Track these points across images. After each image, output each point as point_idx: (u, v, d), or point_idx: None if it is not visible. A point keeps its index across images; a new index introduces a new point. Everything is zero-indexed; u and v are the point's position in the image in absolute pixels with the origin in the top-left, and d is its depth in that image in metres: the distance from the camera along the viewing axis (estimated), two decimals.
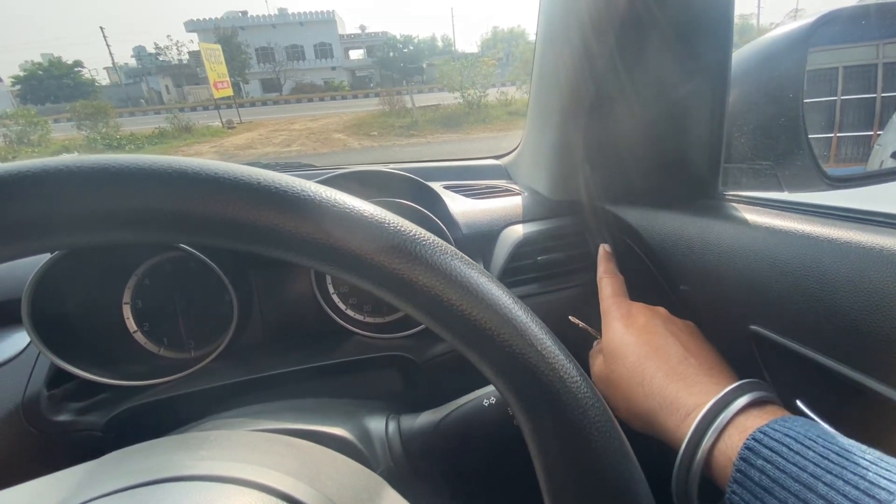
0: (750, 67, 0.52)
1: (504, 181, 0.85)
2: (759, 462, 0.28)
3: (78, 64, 29.25)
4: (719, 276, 0.48)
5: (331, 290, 0.65)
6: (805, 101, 0.51)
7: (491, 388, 0.40)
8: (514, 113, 12.12)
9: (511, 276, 0.62)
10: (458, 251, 0.24)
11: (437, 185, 0.78)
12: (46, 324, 0.49)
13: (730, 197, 0.55)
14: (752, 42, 0.53)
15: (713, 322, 0.49)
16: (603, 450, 0.23)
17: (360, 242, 0.22)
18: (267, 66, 31.75)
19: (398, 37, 30.42)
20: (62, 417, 0.49)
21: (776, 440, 0.28)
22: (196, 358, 0.61)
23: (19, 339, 0.53)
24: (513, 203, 0.71)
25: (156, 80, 31.19)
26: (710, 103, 0.52)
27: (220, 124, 13.28)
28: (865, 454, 0.26)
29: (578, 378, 0.23)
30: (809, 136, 0.53)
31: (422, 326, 0.58)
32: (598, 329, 0.50)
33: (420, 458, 0.40)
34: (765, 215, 0.47)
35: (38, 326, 0.48)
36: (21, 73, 28.52)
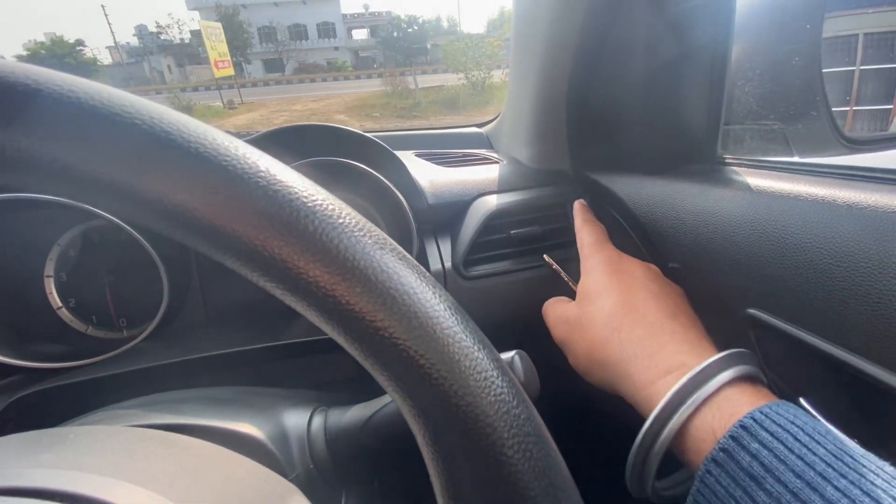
0: (760, 17, 0.44)
1: (484, 150, 0.78)
2: (754, 446, 0.24)
3: (80, 43, 28.93)
4: (715, 251, 0.41)
5: None
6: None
7: None
8: None
9: (480, 251, 0.55)
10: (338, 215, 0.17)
11: (407, 153, 0.71)
12: None
13: (729, 160, 0.48)
14: None
15: (705, 304, 0.42)
16: (524, 471, 0.16)
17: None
18: (269, 46, 31.26)
19: (402, 17, 29.76)
20: None
21: (780, 426, 0.24)
22: (128, 338, 0.55)
23: None
24: (489, 172, 0.64)
25: (158, 60, 30.81)
26: (710, 57, 0.44)
27: (222, 104, 13.13)
28: (884, 468, 0.21)
29: (493, 373, 0.17)
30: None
31: None
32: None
33: (347, 460, 0.34)
34: (770, 178, 0.40)
35: None
36: (24, 53, 28.28)
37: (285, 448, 0.33)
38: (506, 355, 0.32)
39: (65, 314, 0.54)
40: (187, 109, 12.41)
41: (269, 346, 0.50)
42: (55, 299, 0.53)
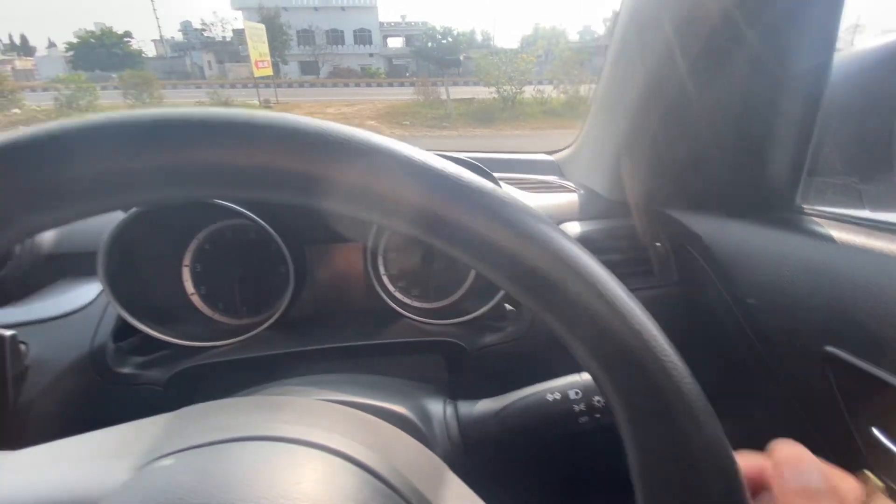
0: (848, 75, 0.49)
1: (556, 177, 0.84)
2: None
3: (128, 35, 30.22)
4: (794, 291, 0.46)
5: (381, 270, 0.65)
6: None
7: (555, 382, 0.40)
8: (549, 112, 11.94)
9: None
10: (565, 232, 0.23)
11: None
12: (116, 279, 0.51)
13: (809, 211, 0.53)
14: (853, 50, 0.50)
15: (783, 340, 0.47)
16: (705, 447, 0.22)
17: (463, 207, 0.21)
18: (306, 49, 32.12)
19: (438, 28, 30.27)
20: (126, 370, 0.51)
21: None
22: (248, 325, 0.62)
23: (87, 291, 0.55)
24: (567, 200, 0.70)
25: (199, 56, 31.98)
26: (801, 110, 0.50)
27: (258, 103, 13.53)
28: None
29: (689, 379, 0.23)
30: None
31: (472, 315, 0.58)
32: None
33: (477, 445, 0.39)
34: (849, 232, 0.45)
35: (111, 280, 0.50)
36: (74, 40, 29.65)
37: (430, 429, 0.39)
38: None
39: (196, 300, 0.61)
40: (225, 104, 12.82)
41: (375, 343, 0.57)
42: (189, 286, 0.61)
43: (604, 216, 0.67)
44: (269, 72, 15.07)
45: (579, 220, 0.66)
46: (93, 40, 28.99)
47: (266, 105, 13.54)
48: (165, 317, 0.58)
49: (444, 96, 13.05)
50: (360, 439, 0.28)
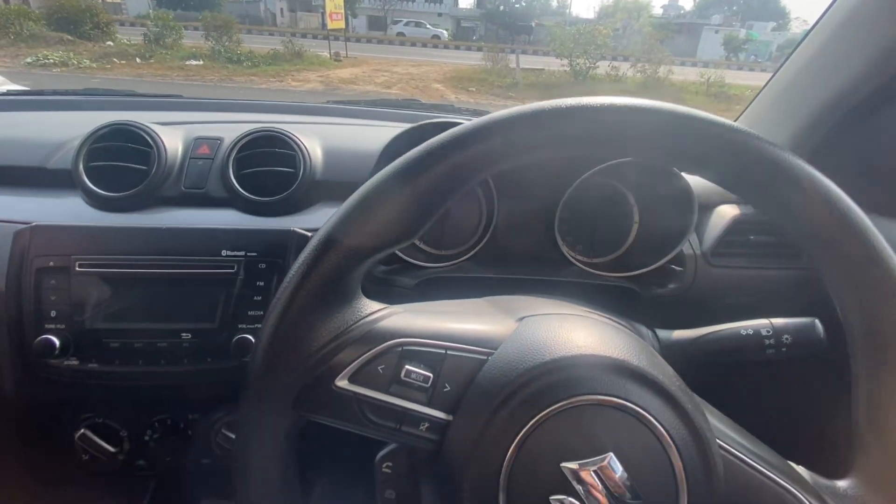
0: None
1: None
2: None
3: None
4: None
5: (556, 227, 0.77)
6: None
7: (746, 323, 0.51)
8: (623, 92, 11.41)
9: (724, 247, 0.71)
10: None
11: None
12: None
13: None
14: None
15: None
16: None
17: None
18: (377, 3, 31.80)
19: None
20: (379, 274, 0.67)
21: None
22: (449, 255, 0.77)
23: None
24: None
25: (273, 2, 32.45)
26: None
27: (329, 55, 13.73)
28: None
29: None
30: None
31: (641, 270, 0.69)
32: None
33: (674, 365, 0.52)
34: None
35: None
36: None
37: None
38: (803, 320, 0.48)
39: None
40: (298, 55, 13.10)
41: (555, 280, 0.71)
42: None
43: None
44: (342, 25, 15.13)
45: (735, 202, 0.75)
46: None
47: (336, 59, 13.73)
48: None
49: (512, 65, 12.71)
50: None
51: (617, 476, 0.30)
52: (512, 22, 28.86)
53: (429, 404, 0.33)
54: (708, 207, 0.74)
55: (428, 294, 0.68)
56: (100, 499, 0.68)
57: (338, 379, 0.32)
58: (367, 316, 0.35)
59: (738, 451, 0.34)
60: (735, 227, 0.71)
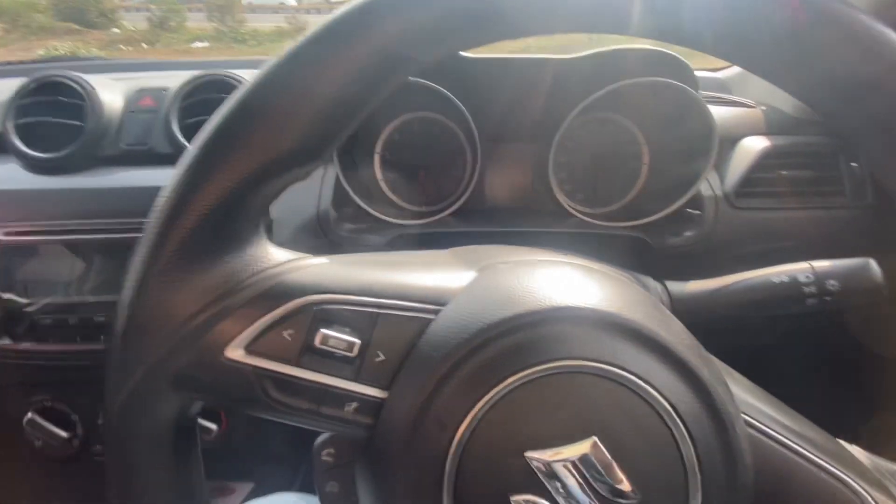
0: None
1: (723, 95, 0.80)
2: None
3: None
4: None
5: (550, 172, 0.67)
6: None
7: (780, 268, 0.41)
8: None
9: (750, 185, 0.60)
10: None
11: None
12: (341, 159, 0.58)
13: None
14: None
15: None
16: None
17: None
18: None
19: None
20: (344, 233, 0.59)
21: None
22: (428, 212, 0.68)
23: None
24: (748, 113, 0.67)
25: None
26: None
27: None
28: None
29: None
30: None
31: (651, 218, 0.59)
32: None
33: (688, 323, 0.43)
34: None
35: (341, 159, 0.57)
36: None
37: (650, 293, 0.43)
38: (854, 260, 0.38)
39: (384, 185, 0.68)
40: (302, 31, 12.83)
41: (553, 231, 0.61)
42: (378, 172, 0.67)
43: (792, 132, 0.64)
44: None
45: (764, 133, 0.64)
46: None
47: None
48: (368, 194, 0.65)
49: None
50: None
51: (602, 467, 0.22)
52: None
53: (356, 379, 0.25)
54: (730, 140, 0.63)
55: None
56: (56, 488, 0.64)
57: (228, 349, 0.24)
58: (268, 268, 0.26)
59: (771, 428, 0.25)
60: (763, 161, 0.60)
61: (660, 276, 0.50)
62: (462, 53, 0.59)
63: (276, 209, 0.58)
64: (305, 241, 0.58)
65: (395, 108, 0.66)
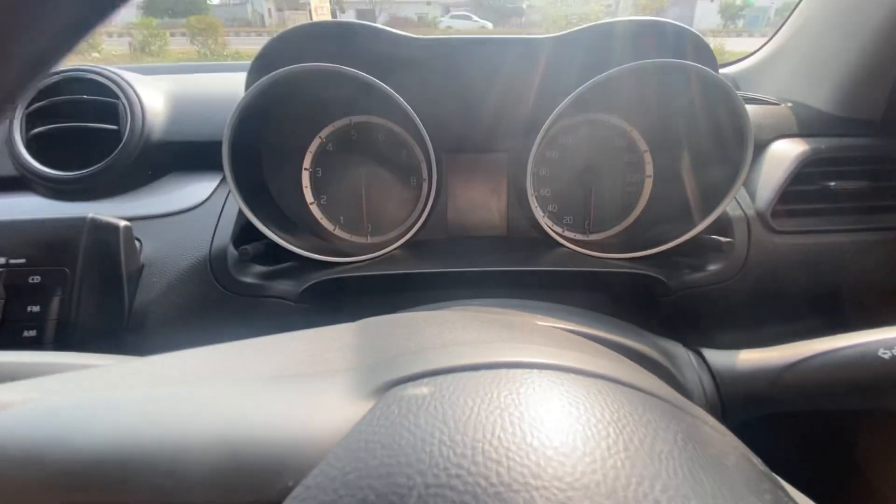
0: None
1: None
2: None
3: None
4: None
5: (529, 190, 0.52)
6: None
7: (883, 334, 0.26)
8: None
9: (789, 202, 0.46)
10: None
11: None
12: (239, 174, 0.42)
13: None
14: None
15: None
16: None
17: None
18: None
19: None
20: (248, 279, 0.42)
21: None
22: (375, 244, 0.53)
23: (202, 187, 0.47)
24: (777, 112, 0.53)
25: (260, 3, 32.03)
26: None
27: None
28: None
29: None
30: None
31: (654, 250, 0.44)
32: None
33: (743, 406, 0.28)
34: None
35: (236, 173, 0.41)
36: None
37: (683, 378, 0.27)
38: None
39: (315, 210, 0.52)
40: None
41: (538, 270, 0.45)
42: (309, 193, 0.52)
43: (827, 133, 0.50)
44: (328, 17, 14.89)
45: (798, 135, 0.50)
46: None
47: None
48: (289, 225, 0.49)
49: None
50: (636, 370, 0.18)
51: None
52: (502, 5, 28.27)
53: None
54: (757, 145, 0.49)
55: (321, 307, 0.43)
56: None
57: None
58: None
59: None
60: (803, 170, 0.46)
61: (684, 334, 0.36)
62: (409, 35, 0.44)
63: (153, 247, 0.42)
64: (192, 291, 0.41)
65: (328, 112, 0.51)
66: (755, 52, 0.72)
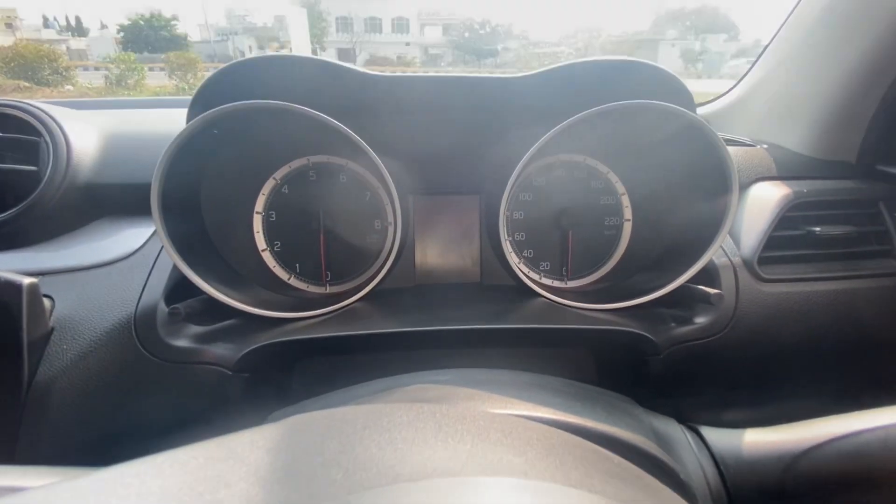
0: None
1: None
2: None
3: (175, 18, 31.13)
4: None
5: (503, 234, 0.48)
6: None
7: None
8: None
9: (776, 248, 0.43)
10: None
11: None
12: (174, 221, 0.37)
13: None
14: None
15: None
16: None
17: None
18: (344, 36, 32.28)
19: (476, 19, 29.83)
20: (181, 342, 0.36)
21: None
22: (333, 295, 0.47)
23: (133, 236, 0.41)
24: (753, 154, 0.52)
25: (241, 40, 32.59)
26: None
27: None
28: None
29: None
30: None
31: (636, 301, 0.41)
32: None
33: (755, 500, 0.23)
34: None
35: (167, 220, 0.36)
36: (126, 22, 30.74)
37: (684, 471, 0.23)
38: None
39: (268, 258, 0.47)
40: None
41: (508, 328, 0.41)
42: (261, 240, 0.47)
43: (806, 175, 0.49)
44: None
45: (777, 178, 0.48)
46: (142, 22, 29.96)
47: None
48: (233, 277, 0.44)
49: None
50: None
51: None
52: (478, 47, 29.57)
53: None
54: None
55: (265, 376, 0.37)
56: None
57: None
58: None
59: None
60: (788, 214, 0.44)
61: (677, 395, 0.32)
62: (365, 71, 0.41)
63: (69, 305, 0.36)
64: (110, 356, 0.35)
65: (283, 152, 0.47)
66: (725, 93, 0.72)
